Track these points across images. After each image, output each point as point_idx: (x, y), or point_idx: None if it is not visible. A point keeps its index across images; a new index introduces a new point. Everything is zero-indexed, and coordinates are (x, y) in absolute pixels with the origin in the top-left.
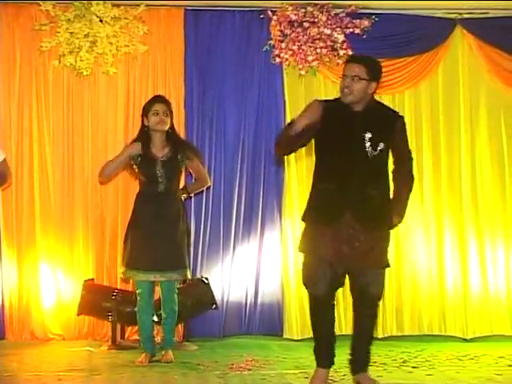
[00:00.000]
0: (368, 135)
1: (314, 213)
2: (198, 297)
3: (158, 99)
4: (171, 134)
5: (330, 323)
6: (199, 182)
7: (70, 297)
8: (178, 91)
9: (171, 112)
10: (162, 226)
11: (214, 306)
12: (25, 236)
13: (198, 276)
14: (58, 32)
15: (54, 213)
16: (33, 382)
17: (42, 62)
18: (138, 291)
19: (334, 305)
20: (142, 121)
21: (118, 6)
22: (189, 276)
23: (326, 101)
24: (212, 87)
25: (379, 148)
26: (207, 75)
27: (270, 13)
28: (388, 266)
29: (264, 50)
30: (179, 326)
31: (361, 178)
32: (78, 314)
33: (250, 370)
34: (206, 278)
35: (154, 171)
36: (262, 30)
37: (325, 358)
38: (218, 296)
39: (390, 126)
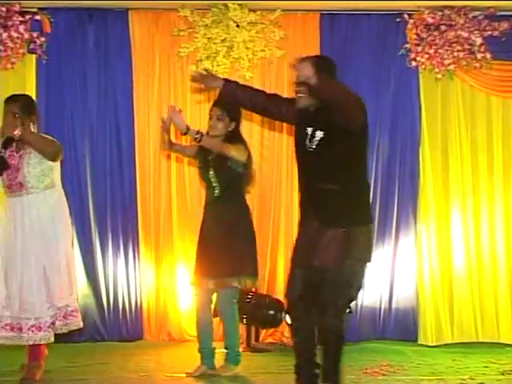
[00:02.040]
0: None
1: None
2: None
3: (215, 102)
4: (230, 137)
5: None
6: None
7: None
8: None
9: (231, 114)
10: (213, 232)
11: (349, 310)
12: (162, 238)
13: None
14: (196, 37)
15: (191, 215)
16: (169, 383)
17: (180, 66)
18: (196, 298)
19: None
20: None
21: (254, 11)
22: (237, 284)
23: None
24: None
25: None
26: (342, 79)
27: (406, 16)
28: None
29: (400, 53)
30: None
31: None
32: (214, 317)
33: (384, 375)
34: None
35: (208, 176)
36: (398, 34)
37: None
38: None
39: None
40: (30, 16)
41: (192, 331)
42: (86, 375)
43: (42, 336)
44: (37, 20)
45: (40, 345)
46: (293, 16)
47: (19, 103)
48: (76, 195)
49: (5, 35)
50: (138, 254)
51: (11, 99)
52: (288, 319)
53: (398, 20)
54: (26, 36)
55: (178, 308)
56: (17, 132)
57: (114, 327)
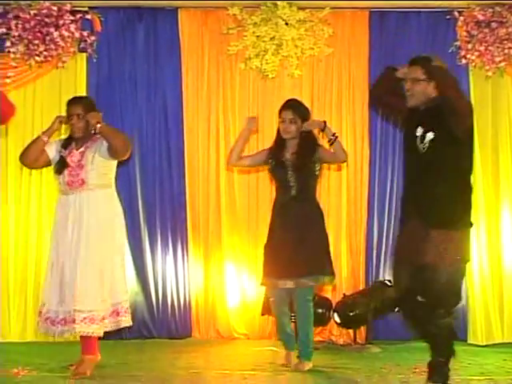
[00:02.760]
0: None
1: None
2: (382, 299)
3: (285, 105)
4: (306, 139)
5: None
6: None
7: (254, 297)
8: (362, 93)
9: (301, 117)
10: (290, 232)
11: (397, 308)
12: (211, 236)
13: (381, 278)
14: (245, 35)
15: (239, 213)
16: (218, 380)
17: (229, 64)
18: (271, 299)
19: None
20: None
21: (303, 9)
22: (315, 283)
23: None
24: None
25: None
26: None
27: (456, 13)
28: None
29: (450, 51)
30: (361, 328)
31: None
32: (262, 314)
33: None
34: (389, 281)
35: (286, 177)
36: (447, 31)
37: None
38: None
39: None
40: (80, 15)
41: (240, 329)
42: (135, 372)
43: (95, 328)
44: (87, 19)
45: (93, 339)
46: (341, 14)
47: (82, 104)
48: (126, 193)
49: (56, 34)
50: (187, 251)
51: (73, 101)
52: (336, 318)
53: (448, 17)
54: (77, 35)
55: (227, 306)
56: (99, 125)
57: (162, 324)
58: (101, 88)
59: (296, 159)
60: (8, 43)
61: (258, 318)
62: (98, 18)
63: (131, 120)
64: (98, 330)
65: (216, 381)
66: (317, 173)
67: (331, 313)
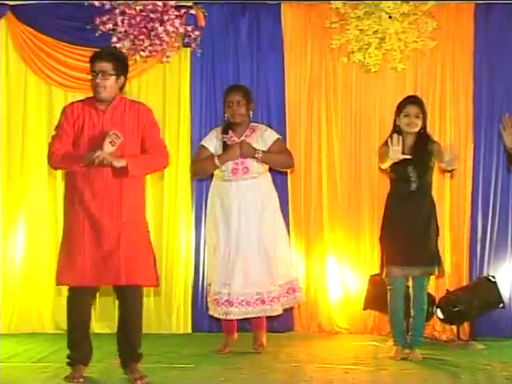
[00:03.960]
0: None
1: None
2: (485, 296)
3: (410, 100)
4: (423, 134)
5: None
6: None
7: (356, 291)
8: (466, 87)
9: (424, 113)
10: (415, 223)
11: (502, 305)
12: (313, 229)
13: (485, 274)
14: (348, 29)
15: (341, 207)
16: (320, 374)
17: (332, 58)
18: (389, 287)
19: None
20: (395, 120)
21: (407, 1)
22: (436, 273)
23: None
24: (501, 82)
25: None
26: (497, 70)
27: None
28: None
29: None
30: (465, 324)
31: None
32: (365, 309)
33: None
34: (493, 277)
35: (406, 171)
36: None
37: None
38: (505, 295)
39: None
40: (185, 10)
41: (342, 323)
42: (238, 364)
43: (272, 308)
44: (191, 14)
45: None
46: (446, 6)
47: (242, 92)
48: None
49: (161, 29)
50: (289, 245)
51: (233, 88)
52: (440, 314)
53: None
54: (181, 30)
55: (328, 300)
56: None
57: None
58: (204, 82)
59: (415, 154)
60: (114, 39)
61: (360, 312)
62: (202, 12)
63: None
64: (277, 310)
65: (317, 374)
66: (432, 167)
67: (434, 308)
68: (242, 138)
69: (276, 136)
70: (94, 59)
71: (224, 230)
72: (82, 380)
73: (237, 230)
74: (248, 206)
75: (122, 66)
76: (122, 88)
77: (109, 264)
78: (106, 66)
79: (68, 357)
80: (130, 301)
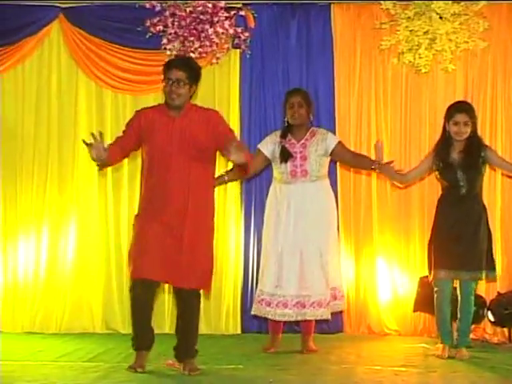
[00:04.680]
0: None
1: None
2: None
3: (459, 108)
4: (473, 139)
5: None
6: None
7: (406, 292)
8: None
9: (473, 118)
10: (464, 228)
11: None
12: (362, 230)
13: None
14: (398, 30)
15: (391, 208)
16: (370, 376)
17: (382, 59)
18: (435, 289)
19: None
20: (444, 124)
21: (458, 2)
22: (484, 278)
23: None
24: None
25: None
26: None
27: None
28: None
29: None
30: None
31: None
32: (414, 311)
33: None
34: None
35: (455, 176)
36: None
37: None
38: None
39: None
40: (234, 12)
41: (391, 325)
42: (287, 365)
43: (323, 312)
44: (241, 15)
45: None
46: (498, 7)
47: (303, 94)
48: None
49: (211, 31)
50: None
51: (295, 90)
52: (490, 316)
53: None
54: (231, 31)
55: (378, 301)
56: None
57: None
58: (254, 84)
59: (464, 159)
60: (164, 40)
61: (410, 314)
62: (252, 14)
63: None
64: (325, 313)
65: (367, 376)
66: (483, 172)
67: (485, 311)
68: (302, 141)
69: (337, 139)
70: (169, 67)
71: (279, 232)
72: (142, 370)
73: (294, 233)
74: (306, 210)
75: (195, 76)
76: (191, 96)
77: (174, 264)
78: (182, 74)
79: (132, 343)
80: (190, 301)
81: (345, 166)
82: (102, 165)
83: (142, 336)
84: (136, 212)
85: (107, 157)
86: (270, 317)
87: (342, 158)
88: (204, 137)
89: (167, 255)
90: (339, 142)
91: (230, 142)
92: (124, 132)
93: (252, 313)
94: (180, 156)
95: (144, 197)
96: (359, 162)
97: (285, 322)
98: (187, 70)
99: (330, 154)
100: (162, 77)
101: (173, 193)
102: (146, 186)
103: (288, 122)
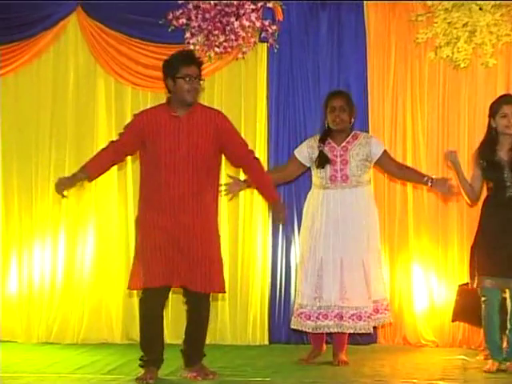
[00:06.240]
0: None
1: None
2: None
3: (505, 100)
4: None
5: None
6: None
7: (444, 302)
8: None
9: None
10: (511, 232)
11: None
12: (397, 235)
13: None
14: (435, 22)
15: (428, 211)
16: None
17: (418, 54)
18: (483, 299)
19: None
20: (489, 122)
21: None
22: None
23: None
24: None
25: None
26: None
27: None
28: None
29: None
30: None
31: None
32: (453, 321)
33: None
34: None
35: (502, 177)
36: None
37: None
38: None
39: None
40: (261, 4)
41: (428, 335)
42: (318, 378)
43: (362, 325)
44: (269, 8)
45: (346, 334)
46: None
47: (345, 97)
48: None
49: (236, 24)
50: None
51: (337, 93)
52: None
53: None
54: (258, 24)
55: (414, 311)
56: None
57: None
58: (281, 79)
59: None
60: (188, 34)
61: (448, 324)
62: (280, 6)
63: (313, 113)
64: (365, 327)
65: None
66: None
67: None
68: (343, 144)
69: (382, 147)
70: (186, 62)
71: (316, 240)
72: (152, 382)
73: (333, 240)
74: (344, 217)
75: (201, 71)
76: None
77: (185, 268)
78: (197, 70)
79: (140, 359)
80: (201, 305)
81: (389, 176)
82: (87, 178)
83: (153, 351)
84: (137, 214)
85: (89, 169)
86: (310, 330)
87: (387, 169)
88: (207, 137)
89: (176, 260)
90: (385, 152)
91: (241, 152)
92: (121, 135)
93: (292, 326)
94: (187, 158)
95: (148, 198)
96: (407, 176)
97: (327, 334)
98: (201, 64)
99: (374, 164)
100: None
101: (180, 194)
102: (152, 188)
103: (328, 126)
